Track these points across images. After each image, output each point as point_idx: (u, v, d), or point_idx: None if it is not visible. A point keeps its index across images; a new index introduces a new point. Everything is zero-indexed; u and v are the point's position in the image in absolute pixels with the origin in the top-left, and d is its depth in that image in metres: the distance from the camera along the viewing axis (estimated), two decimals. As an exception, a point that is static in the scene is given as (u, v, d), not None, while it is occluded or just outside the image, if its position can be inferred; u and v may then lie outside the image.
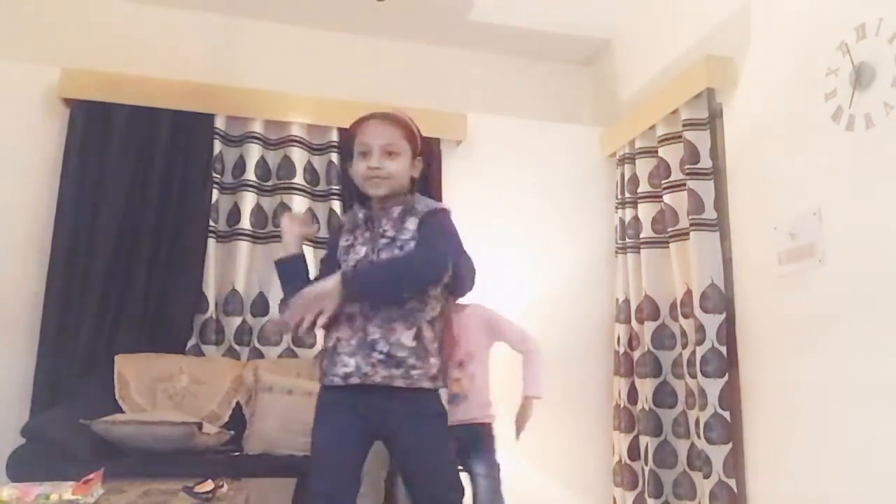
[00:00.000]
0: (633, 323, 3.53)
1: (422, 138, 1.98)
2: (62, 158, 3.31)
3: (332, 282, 1.78)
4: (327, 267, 1.98)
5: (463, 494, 1.93)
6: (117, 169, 3.35)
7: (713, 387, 2.91)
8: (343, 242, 1.92)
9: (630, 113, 3.74)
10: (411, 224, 1.87)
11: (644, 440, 3.34)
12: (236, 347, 3.40)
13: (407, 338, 1.79)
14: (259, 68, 3.75)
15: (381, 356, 1.77)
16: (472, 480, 2.63)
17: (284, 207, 3.54)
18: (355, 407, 1.81)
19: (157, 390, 3.03)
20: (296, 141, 3.61)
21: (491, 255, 3.13)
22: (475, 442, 2.64)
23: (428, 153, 2.11)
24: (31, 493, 1.79)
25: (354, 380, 1.78)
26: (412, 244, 1.83)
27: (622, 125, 3.77)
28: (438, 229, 1.86)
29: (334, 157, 3.63)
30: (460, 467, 2.72)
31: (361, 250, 1.87)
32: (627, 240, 3.63)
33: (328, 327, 1.84)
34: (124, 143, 3.38)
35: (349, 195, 3.54)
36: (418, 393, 1.82)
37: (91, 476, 1.87)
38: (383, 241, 1.85)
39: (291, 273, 1.95)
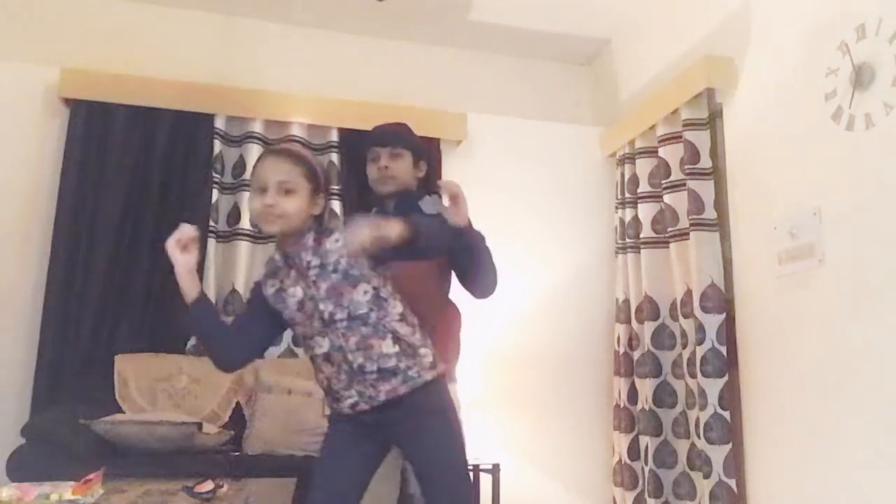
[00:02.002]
0: (633, 323, 3.53)
1: (325, 173, 1.88)
2: (62, 159, 3.31)
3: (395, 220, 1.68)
4: (250, 319, 1.90)
5: (471, 487, 1.93)
6: (117, 169, 3.35)
7: (713, 387, 2.91)
8: (269, 290, 1.83)
9: (630, 113, 3.74)
10: (330, 243, 1.78)
11: (644, 440, 3.34)
12: (236, 347, 3.40)
13: (387, 347, 1.76)
14: (259, 68, 3.75)
15: (374, 376, 1.76)
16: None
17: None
18: (366, 424, 1.82)
19: (157, 390, 3.03)
20: (296, 141, 3.60)
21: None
22: None
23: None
24: (31, 493, 1.79)
25: (363, 406, 1.79)
26: (343, 261, 1.76)
27: (622, 125, 3.77)
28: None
29: (334, 156, 3.63)
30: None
31: (298, 291, 1.78)
32: (627, 240, 3.63)
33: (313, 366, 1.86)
34: (124, 143, 3.39)
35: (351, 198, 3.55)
36: (423, 390, 1.80)
37: (91, 476, 1.87)
38: (313, 271, 1.77)
39: (204, 316, 1.87)
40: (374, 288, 1.78)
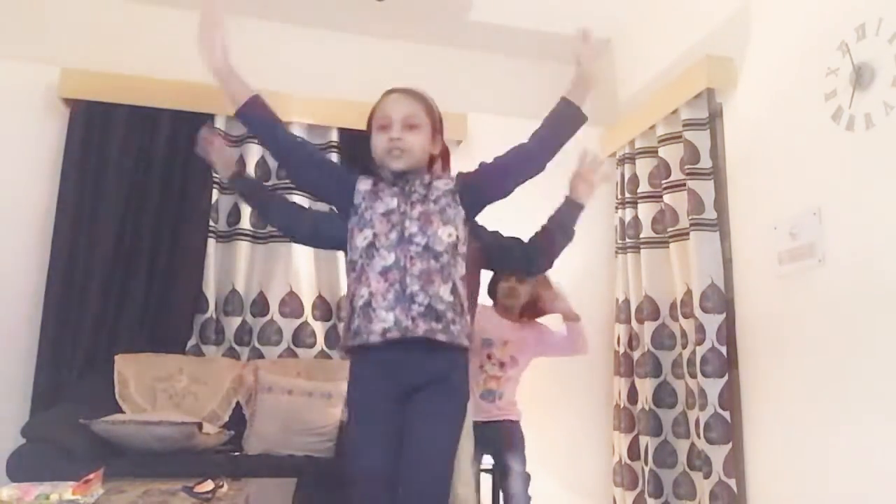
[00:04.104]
0: (633, 323, 3.53)
1: (440, 118, 1.96)
2: (62, 158, 3.31)
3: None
4: (328, 184, 1.92)
5: (446, 491, 1.80)
6: (117, 169, 3.35)
7: (713, 387, 2.91)
8: (362, 185, 1.85)
9: (630, 113, 3.74)
10: (441, 184, 1.86)
11: (644, 440, 3.34)
12: (236, 347, 3.40)
13: (445, 291, 1.75)
14: (259, 68, 3.72)
15: (421, 308, 1.72)
16: (508, 476, 2.73)
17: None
18: (390, 369, 1.74)
19: (157, 390, 3.03)
20: (296, 141, 3.60)
21: (491, 255, 3.12)
22: (512, 438, 2.78)
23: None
24: (31, 493, 1.79)
25: (394, 334, 1.70)
26: (446, 199, 1.83)
27: (622, 125, 3.77)
28: None
29: (334, 156, 3.63)
30: (491, 464, 2.87)
31: (392, 202, 1.81)
32: (627, 240, 3.63)
33: (354, 284, 1.79)
34: (124, 143, 3.39)
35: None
36: (455, 353, 1.78)
37: (91, 476, 1.87)
38: (416, 195, 1.82)
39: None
40: (458, 238, 1.82)
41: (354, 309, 1.77)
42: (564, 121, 1.93)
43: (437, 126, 1.92)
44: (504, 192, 1.92)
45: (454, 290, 1.77)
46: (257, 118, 1.93)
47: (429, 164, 1.93)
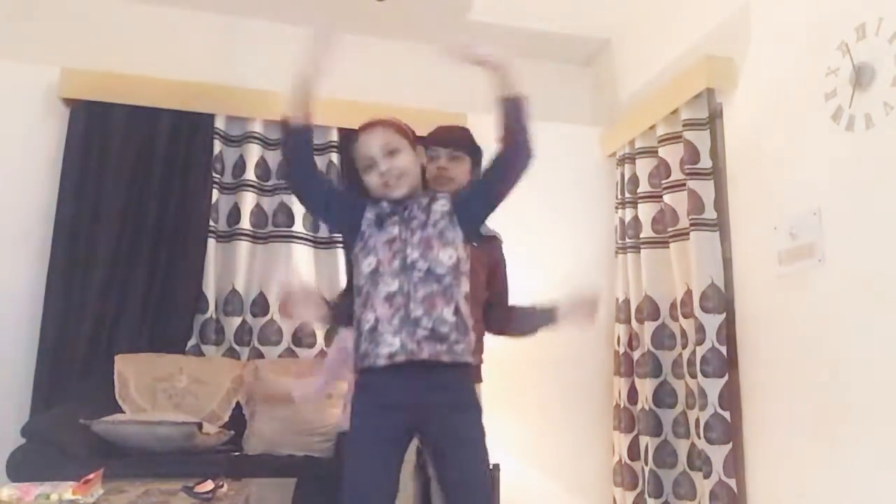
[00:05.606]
0: (633, 323, 3.53)
1: (411, 130, 2.01)
2: (62, 158, 3.31)
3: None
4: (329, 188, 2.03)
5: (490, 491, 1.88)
6: (117, 169, 3.35)
7: (713, 387, 2.91)
8: (370, 213, 1.91)
9: (630, 113, 3.74)
10: (437, 205, 1.90)
11: (644, 440, 3.34)
12: (236, 347, 3.40)
13: (448, 313, 1.80)
14: (259, 68, 3.74)
15: (425, 332, 1.77)
16: None
17: (284, 207, 3.55)
18: (396, 392, 1.79)
19: (157, 390, 3.03)
20: (296, 141, 3.60)
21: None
22: None
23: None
24: (31, 493, 1.79)
25: (400, 358, 1.76)
26: (444, 221, 1.87)
27: (622, 125, 3.77)
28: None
29: (334, 156, 3.63)
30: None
31: (394, 230, 1.86)
32: (627, 240, 3.63)
33: (360, 309, 1.83)
34: (124, 143, 3.39)
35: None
36: (461, 372, 1.83)
37: (91, 476, 1.87)
38: (415, 221, 1.87)
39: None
40: (458, 258, 1.86)
41: (362, 333, 1.83)
42: (512, 110, 2.04)
43: (411, 140, 1.98)
44: (497, 199, 1.97)
45: (457, 311, 1.82)
46: (304, 141, 2.02)
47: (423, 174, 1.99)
